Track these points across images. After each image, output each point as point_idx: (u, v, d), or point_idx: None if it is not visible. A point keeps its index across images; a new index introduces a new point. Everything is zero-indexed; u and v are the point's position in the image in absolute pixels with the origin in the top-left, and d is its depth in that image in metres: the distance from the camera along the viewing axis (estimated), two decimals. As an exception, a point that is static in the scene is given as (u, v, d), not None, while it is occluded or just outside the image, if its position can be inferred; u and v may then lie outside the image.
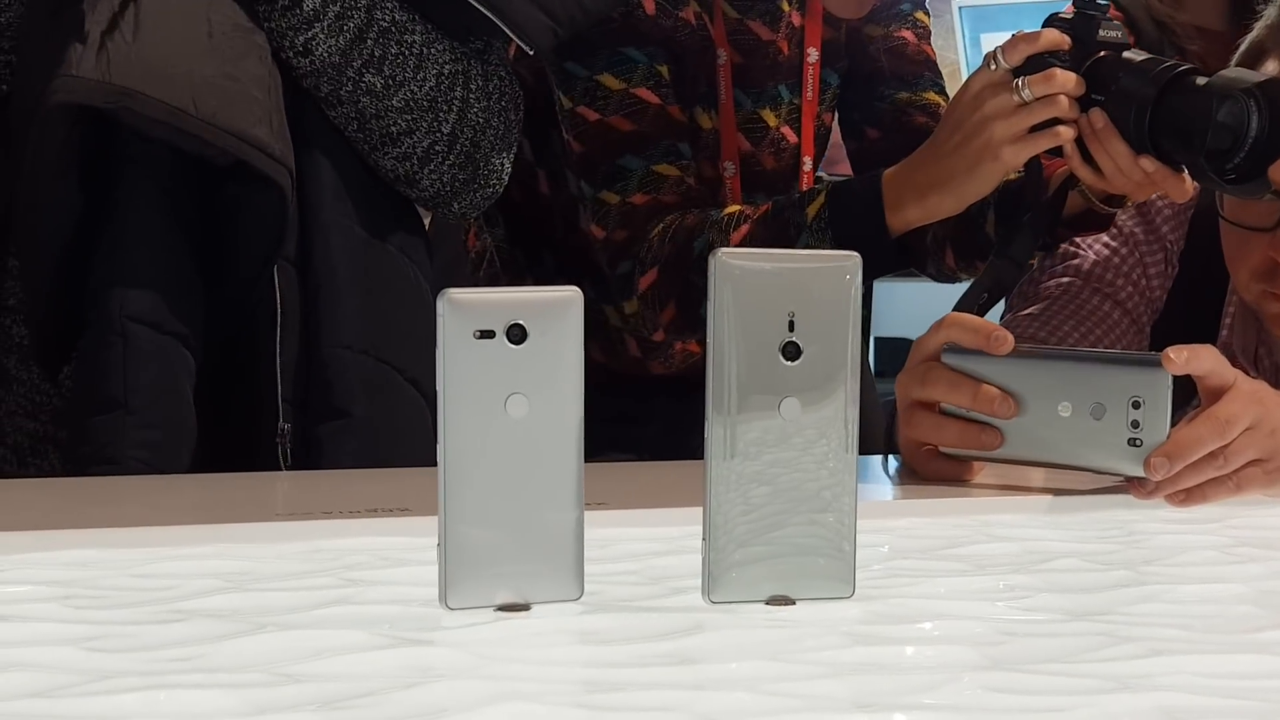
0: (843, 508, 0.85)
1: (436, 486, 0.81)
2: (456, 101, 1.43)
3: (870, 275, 1.60)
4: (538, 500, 0.82)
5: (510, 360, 0.81)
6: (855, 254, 0.84)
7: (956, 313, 1.28)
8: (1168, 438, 1.16)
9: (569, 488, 0.83)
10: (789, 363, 0.83)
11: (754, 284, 0.82)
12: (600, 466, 1.07)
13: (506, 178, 1.54)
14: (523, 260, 1.79)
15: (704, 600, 0.84)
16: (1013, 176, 1.55)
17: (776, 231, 1.56)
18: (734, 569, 0.84)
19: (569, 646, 0.79)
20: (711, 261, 0.82)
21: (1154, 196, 1.63)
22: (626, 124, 1.65)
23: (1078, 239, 1.66)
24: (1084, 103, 1.46)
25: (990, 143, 1.47)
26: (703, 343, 1.69)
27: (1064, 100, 1.46)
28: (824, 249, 1.51)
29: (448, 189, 1.47)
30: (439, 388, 0.80)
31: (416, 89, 1.40)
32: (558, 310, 0.81)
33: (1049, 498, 1.23)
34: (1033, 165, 1.51)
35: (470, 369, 0.80)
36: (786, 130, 1.73)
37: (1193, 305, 1.61)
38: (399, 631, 0.79)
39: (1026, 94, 1.46)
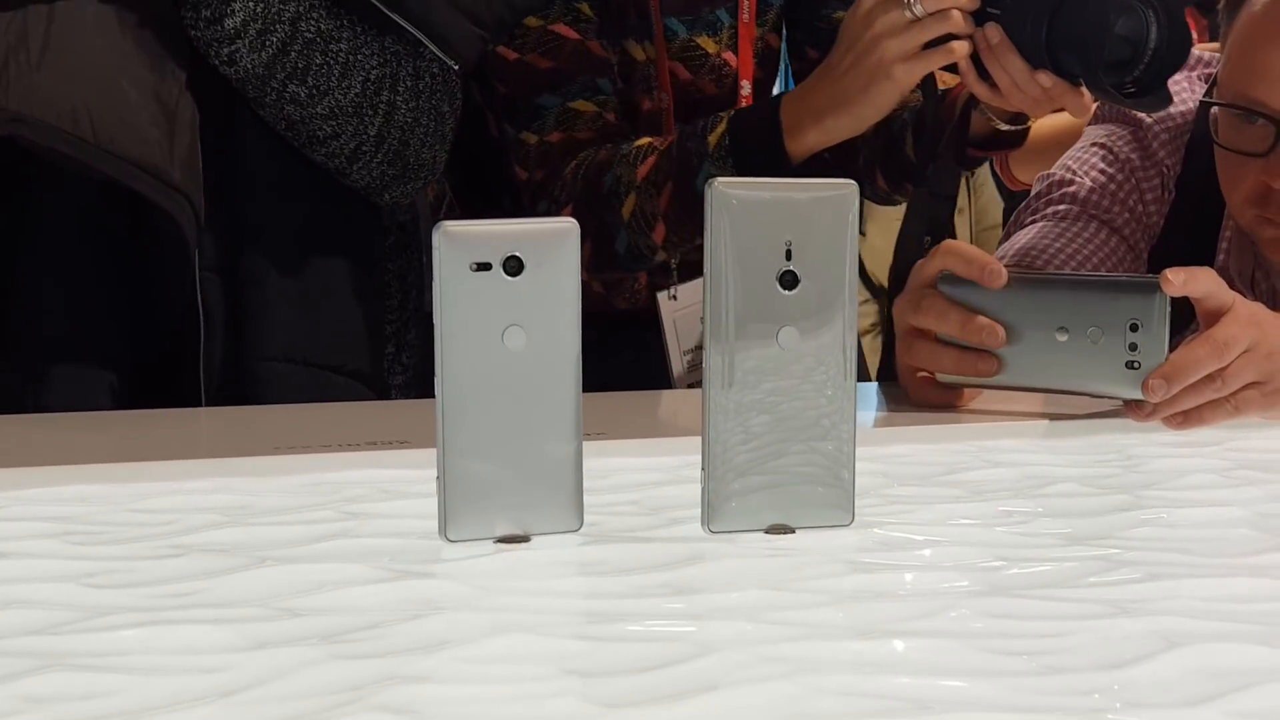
0: (841, 436, 0.85)
1: (435, 419, 0.81)
2: (383, 105, 1.42)
3: None
4: (536, 432, 0.82)
5: (507, 292, 0.80)
6: (853, 182, 0.84)
7: (952, 241, 1.28)
8: (1166, 360, 1.16)
9: (567, 419, 0.83)
10: (786, 292, 0.83)
11: (751, 213, 0.82)
12: (598, 396, 1.07)
13: (441, 166, 1.54)
14: (480, 205, 1.78)
15: (703, 530, 0.84)
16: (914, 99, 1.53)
17: (680, 162, 1.54)
18: (733, 498, 0.84)
19: (569, 578, 0.79)
20: (708, 191, 0.82)
21: (1149, 121, 1.62)
22: (544, 61, 1.62)
23: (1072, 166, 1.65)
24: (979, 17, 1.43)
25: (882, 61, 1.44)
26: (610, 281, 1.69)
27: (956, 15, 1.43)
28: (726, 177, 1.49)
29: (377, 182, 1.48)
30: (435, 321, 0.80)
31: (341, 96, 1.40)
32: (554, 241, 0.81)
33: (1046, 423, 1.24)
34: (928, 85, 1.49)
35: (467, 302, 0.80)
36: (729, 56, 1.70)
37: (1189, 230, 1.60)
38: (399, 564, 0.79)
39: (918, 9, 1.43)
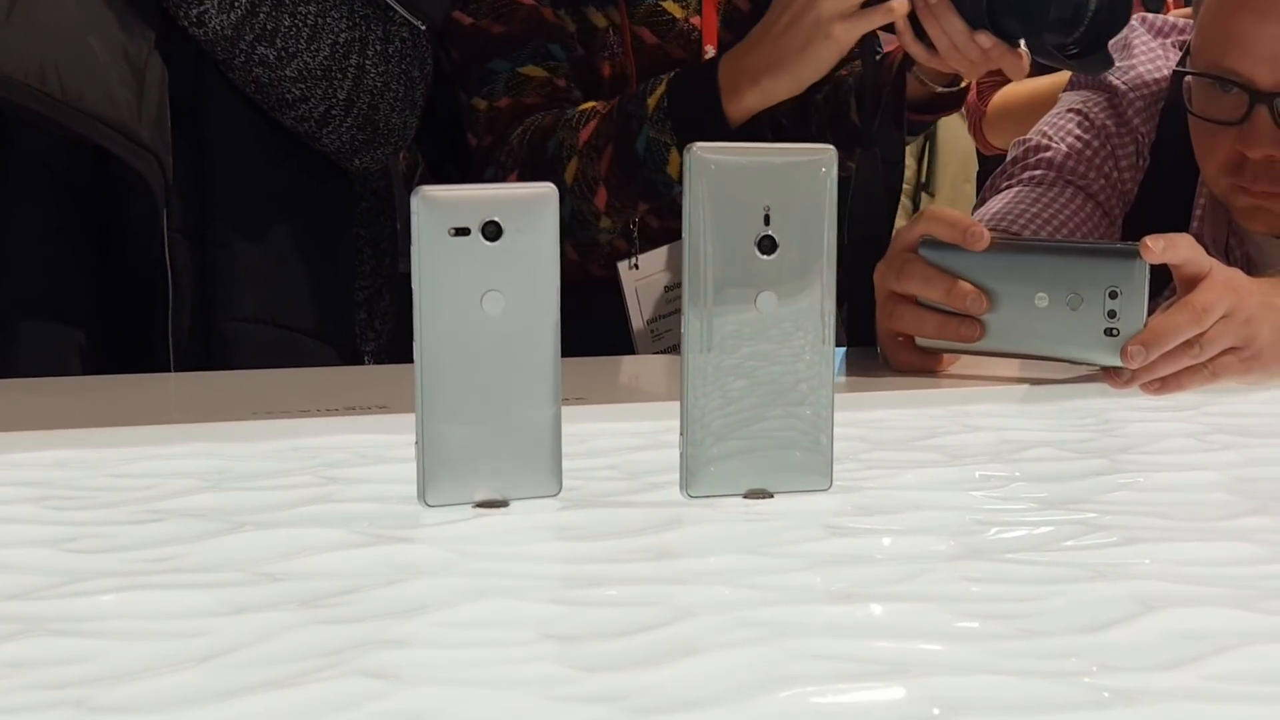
0: (820, 400, 0.85)
1: (414, 384, 0.81)
2: (352, 69, 1.42)
3: None
4: (515, 397, 0.82)
5: (486, 257, 0.80)
6: (830, 147, 0.84)
7: (934, 206, 1.28)
8: (1144, 326, 1.17)
9: (546, 384, 0.83)
10: (765, 256, 0.83)
11: (729, 178, 0.82)
12: (577, 361, 1.07)
13: (412, 132, 1.54)
14: (455, 175, 1.77)
15: (682, 495, 0.84)
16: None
17: (620, 125, 1.52)
18: (711, 463, 0.84)
19: (547, 542, 0.79)
20: (686, 156, 0.81)
21: (1124, 89, 1.62)
22: (497, 26, 1.60)
23: (1048, 131, 1.65)
24: None
25: (820, 20, 1.43)
26: (584, 247, 1.69)
27: None
28: (665, 140, 1.49)
29: (348, 147, 1.47)
30: (414, 286, 0.80)
31: (310, 59, 1.40)
32: (533, 206, 0.81)
33: (1025, 387, 1.24)
34: (866, 46, 1.47)
35: (446, 267, 0.80)
36: (696, 20, 1.68)
37: (1164, 197, 1.61)
38: (378, 529, 0.79)
39: None
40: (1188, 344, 1.18)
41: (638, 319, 1.66)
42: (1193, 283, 1.19)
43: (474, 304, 0.80)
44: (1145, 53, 1.65)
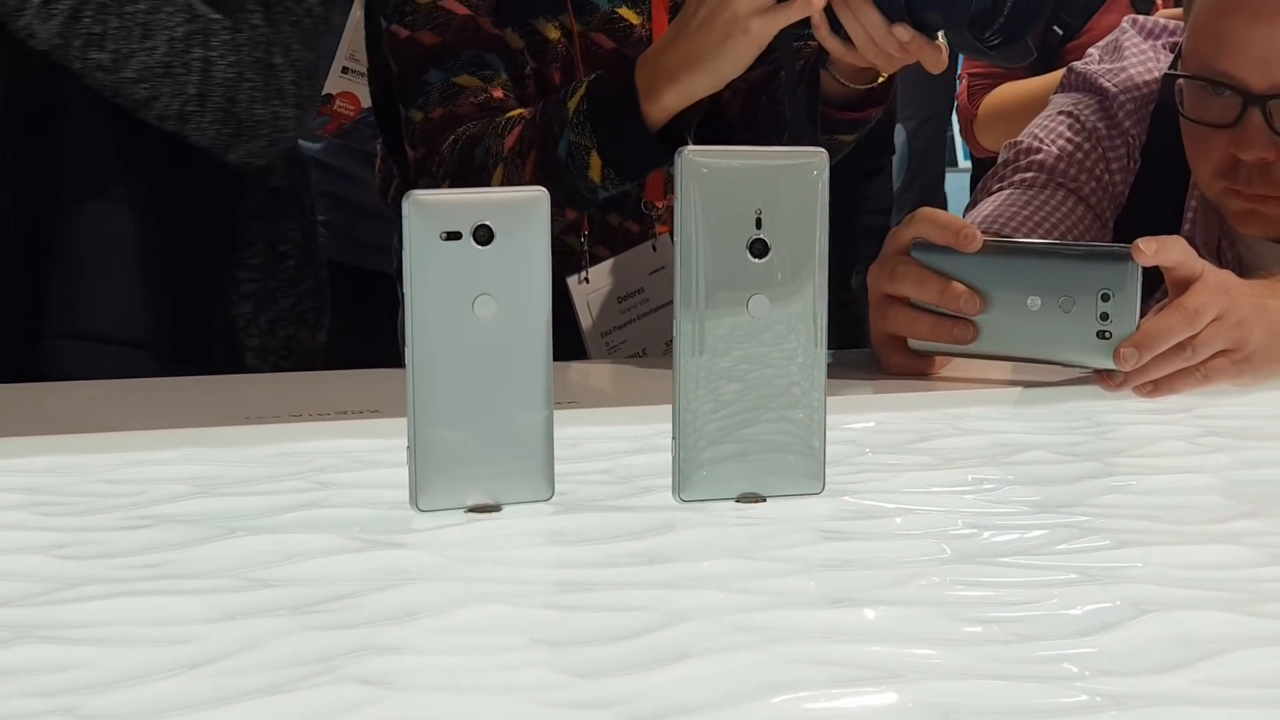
0: (812, 404, 0.85)
1: (405, 389, 0.80)
2: (197, 63, 1.41)
3: (636, 170, 1.52)
4: (507, 401, 0.82)
5: (477, 261, 0.80)
6: (823, 150, 0.83)
7: (927, 208, 1.28)
8: (1137, 329, 1.17)
9: (538, 388, 0.83)
10: (756, 260, 0.83)
11: (720, 182, 0.82)
12: (569, 365, 1.07)
13: (290, 125, 1.53)
14: (429, 185, 1.76)
15: (675, 499, 0.84)
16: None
17: (543, 131, 1.49)
18: (704, 467, 0.84)
19: (540, 547, 0.79)
20: (678, 160, 0.81)
21: (1115, 91, 1.62)
22: (432, 38, 1.59)
23: (1039, 134, 1.65)
24: None
25: (736, 16, 1.38)
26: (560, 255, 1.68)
27: None
28: (585, 144, 1.46)
29: (218, 142, 1.47)
30: (405, 290, 0.80)
31: (147, 58, 1.39)
32: (524, 210, 0.81)
33: (1018, 390, 1.24)
34: (784, 40, 1.43)
35: (437, 271, 0.80)
36: (653, 26, 1.67)
37: (1155, 199, 1.60)
38: (370, 534, 0.79)
39: None
40: (1180, 346, 1.18)
41: (591, 331, 1.64)
42: (1185, 285, 1.19)
43: (466, 308, 0.80)
44: (1136, 55, 1.65)
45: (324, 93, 2.20)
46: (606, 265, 1.65)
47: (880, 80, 1.52)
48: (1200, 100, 1.48)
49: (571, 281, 1.63)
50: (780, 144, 1.60)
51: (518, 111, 1.55)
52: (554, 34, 1.62)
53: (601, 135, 1.46)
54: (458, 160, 1.55)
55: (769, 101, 1.64)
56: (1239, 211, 1.49)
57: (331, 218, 2.27)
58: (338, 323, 2.23)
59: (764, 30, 1.39)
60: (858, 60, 1.42)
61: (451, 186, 1.54)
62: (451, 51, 1.58)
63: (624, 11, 1.64)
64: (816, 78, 1.50)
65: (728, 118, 1.63)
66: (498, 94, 1.58)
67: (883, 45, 1.39)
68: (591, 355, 1.63)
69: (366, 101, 2.21)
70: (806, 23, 1.40)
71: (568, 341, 1.62)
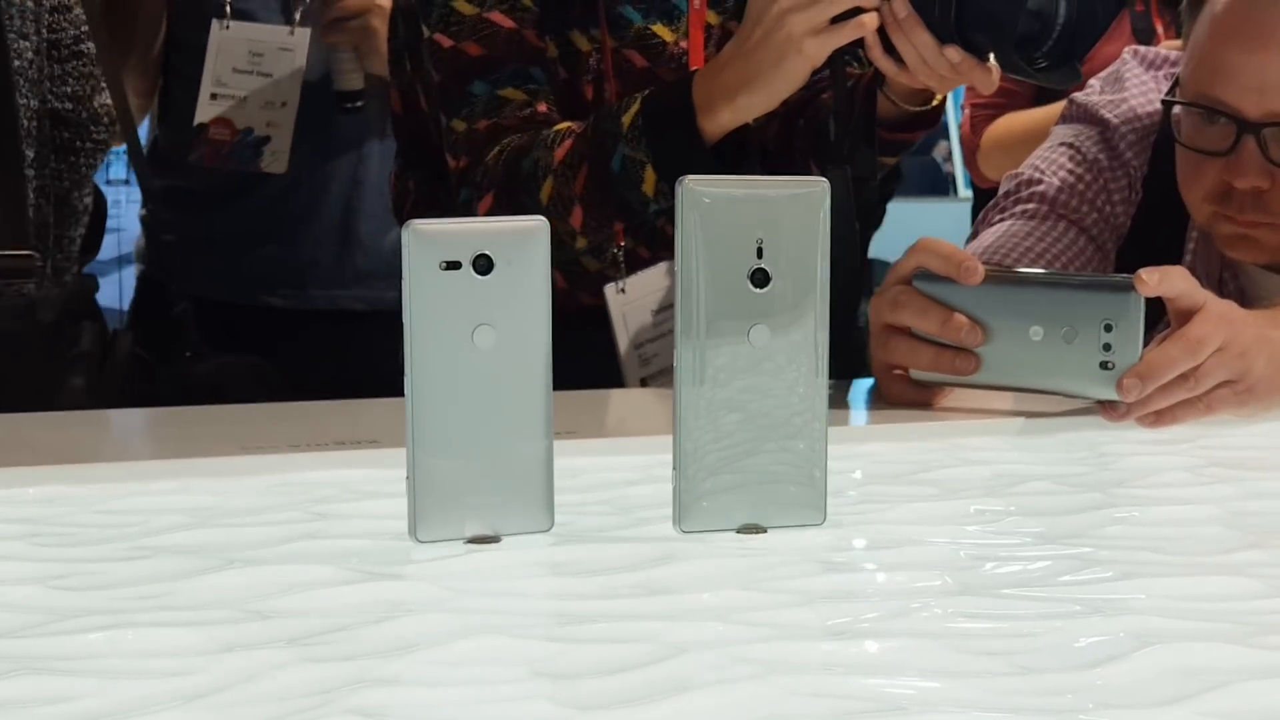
0: (813, 434, 0.85)
1: (405, 419, 0.80)
2: None
3: None
4: (507, 431, 0.82)
5: (477, 291, 0.80)
6: (824, 180, 0.83)
7: (929, 238, 1.27)
8: (1139, 360, 1.17)
9: (538, 418, 0.82)
10: (758, 290, 0.82)
11: (722, 211, 0.82)
12: (569, 394, 1.06)
13: None
14: (445, 201, 1.77)
15: (675, 530, 0.84)
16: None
17: (595, 145, 1.52)
18: (704, 498, 0.84)
19: (539, 578, 0.79)
20: (679, 189, 0.81)
21: (1116, 122, 1.62)
22: (477, 49, 1.60)
23: (1040, 165, 1.65)
24: None
25: (791, 36, 1.42)
26: (575, 276, 1.69)
27: None
28: (640, 158, 1.49)
29: None
30: (405, 319, 0.79)
31: None
32: (524, 240, 0.81)
33: (1020, 420, 1.23)
34: (835, 64, 1.46)
35: (436, 300, 0.79)
36: (687, 44, 1.69)
37: (1156, 230, 1.60)
38: (368, 566, 0.78)
39: None
40: (1183, 377, 1.17)
41: (625, 343, 1.65)
42: (1187, 316, 1.19)
43: (465, 338, 0.80)
44: (1137, 86, 1.65)
45: (196, 123, 2.20)
46: (643, 276, 1.66)
47: (935, 102, 1.55)
48: (1196, 127, 1.48)
49: (609, 290, 1.65)
50: (818, 167, 1.62)
51: (565, 125, 1.57)
52: (586, 46, 1.64)
53: (657, 150, 1.49)
54: (503, 171, 1.56)
55: (808, 124, 1.65)
56: (1229, 236, 1.49)
57: (197, 252, 2.27)
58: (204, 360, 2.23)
59: (818, 51, 1.43)
60: (911, 81, 1.45)
61: (495, 197, 1.57)
62: (497, 64, 1.61)
63: (658, 28, 1.66)
64: (874, 99, 1.51)
65: (762, 141, 1.64)
66: (542, 108, 1.60)
67: (934, 66, 1.42)
68: (625, 368, 1.64)
69: (241, 123, 2.20)
70: (860, 43, 1.43)
71: (604, 355, 1.64)
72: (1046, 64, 1.40)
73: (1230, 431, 1.20)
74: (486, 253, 0.80)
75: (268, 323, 2.25)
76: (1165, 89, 1.63)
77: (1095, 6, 1.38)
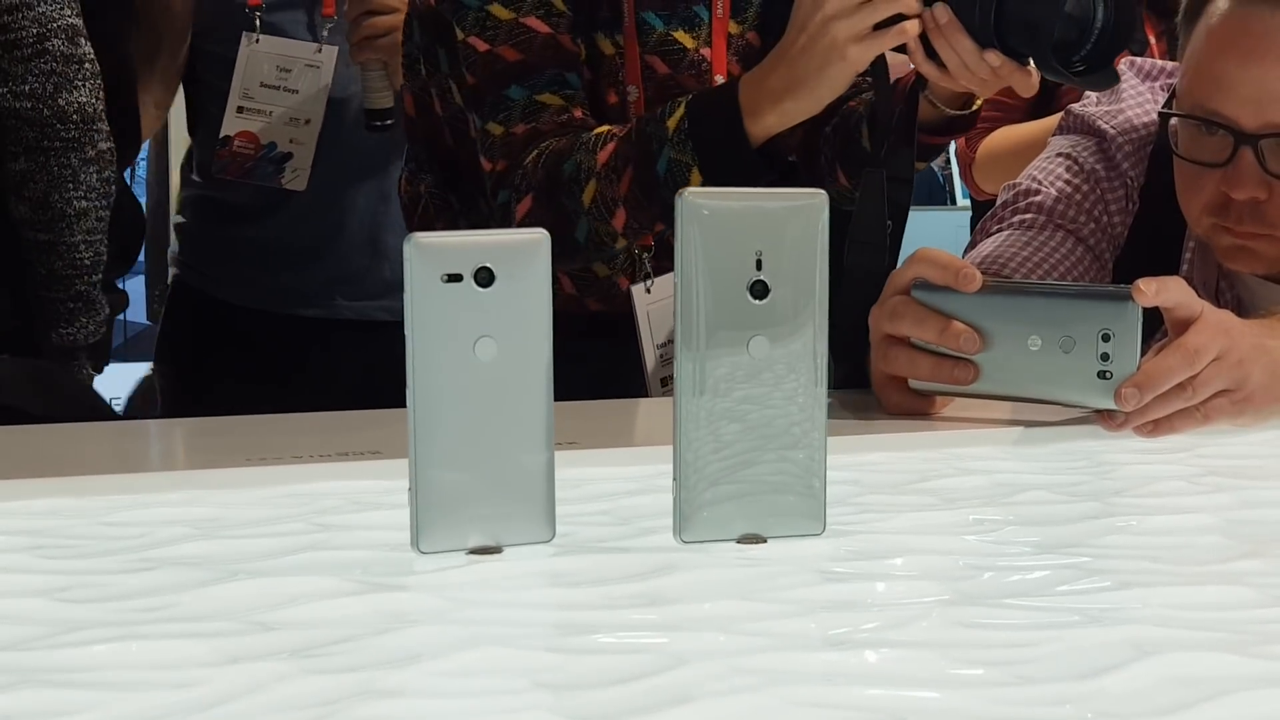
0: (812, 444, 0.85)
1: (407, 431, 0.80)
2: None
3: (737, 185, 1.57)
4: (508, 443, 0.82)
5: (478, 303, 0.80)
6: (822, 192, 0.84)
7: (927, 249, 1.28)
8: (1137, 369, 1.17)
9: (539, 430, 0.83)
10: (757, 301, 0.83)
11: (721, 224, 0.82)
12: (570, 405, 1.07)
13: None
14: (458, 206, 1.77)
15: (675, 540, 0.84)
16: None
17: (640, 148, 1.55)
18: (705, 508, 0.84)
19: (541, 589, 0.79)
20: (678, 202, 0.82)
21: (1113, 133, 1.63)
22: (513, 54, 1.63)
23: (1038, 176, 1.65)
24: None
25: (835, 43, 1.46)
26: (583, 281, 1.70)
27: None
28: (686, 161, 1.51)
29: None
30: (407, 332, 0.80)
31: None
32: (525, 253, 0.81)
33: (1018, 430, 1.24)
34: (878, 68, 1.50)
35: (438, 313, 0.80)
36: (706, 52, 1.71)
37: (1153, 240, 1.61)
38: (371, 577, 0.79)
39: None
40: (1180, 387, 1.18)
41: (649, 343, 1.67)
42: (1184, 325, 1.19)
43: (467, 350, 0.80)
44: (1134, 97, 1.66)
45: (221, 135, 2.21)
46: (670, 277, 1.67)
47: (975, 107, 1.58)
48: (1193, 139, 1.49)
49: (637, 290, 1.67)
50: (844, 173, 1.64)
51: (605, 128, 1.59)
52: (610, 50, 1.66)
53: (703, 153, 1.52)
54: (544, 174, 1.58)
55: (836, 130, 1.66)
56: (1228, 248, 1.49)
57: (228, 260, 2.28)
58: (252, 368, 2.25)
59: (861, 57, 1.46)
60: (953, 85, 1.49)
61: (535, 200, 1.59)
62: (534, 69, 1.63)
63: (679, 35, 1.68)
64: (916, 102, 1.54)
65: (785, 148, 1.66)
66: (578, 113, 1.62)
67: (975, 70, 1.45)
68: (649, 368, 1.66)
69: (265, 138, 2.21)
70: (901, 48, 1.47)
71: (629, 355, 1.65)
72: (1084, 68, 1.43)
73: (1228, 440, 1.21)
74: (488, 265, 0.80)
75: (298, 331, 2.26)
76: (1162, 100, 1.63)
77: (1131, 12, 1.41)
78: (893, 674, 0.65)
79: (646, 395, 1.66)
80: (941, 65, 1.46)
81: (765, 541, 0.85)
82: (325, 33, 2.22)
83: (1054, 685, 0.63)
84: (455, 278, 0.80)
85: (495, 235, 0.82)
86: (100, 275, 1.84)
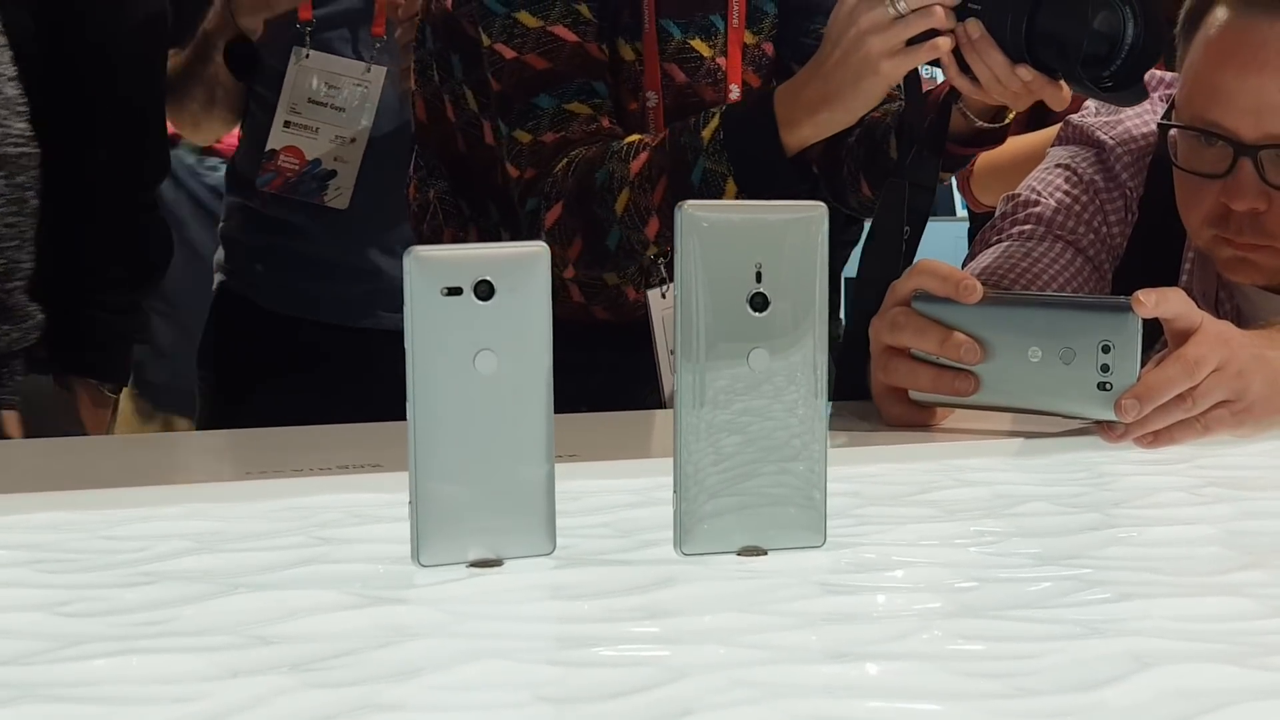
0: (813, 456, 0.85)
1: (407, 444, 0.80)
2: None
3: (771, 197, 1.59)
4: (508, 456, 0.82)
5: (478, 316, 0.80)
6: (822, 204, 0.84)
7: (927, 260, 1.28)
8: (1137, 380, 1.17)
9: (539, 443, 0.83)
10: (757, 314, 0.83)
11: (721, 236, 0.82)
12: (570, 418, 1.07)
13: None
14: (468, 212, 1.78)
15: (676, 552, 0.84)
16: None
17: (674, 158, 1.56)
18: (705, 520, 0.84)
19: (542, 602, 0.79)
20: (678, 214, 0.82)
21: (1112, 143, 1.63)
22: (541, 62, 1.63)
23: (1037, 187, 1.66)
24: (960, 13, 1.47)
25: (868, 57, 1.48)
26: (591, 288, 1.71)
27: (939, 11, 1.47)
28: (721, 171, 1.53)
29: None
30: (407, 345, 0.80)
31: None
32: (525, 266, 0.81)
33: (1018, 441, 1.24)
34: (910, 81, 1.53)
35: (438, 326, 0.80)
36: (722, 61, 1.72)
37: (1153, 251, 1.61)
38: (371, 590, 0.79)
39: (901, 6, 1.47)
40: (1180, 398, 1.18)
41: (663, 347, 1.67)
42: (1184, 336, 1.19)
43: (467, 363, 0.80)
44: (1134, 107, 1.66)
45: (267, 148, 2.22)
46: None
47: (1007, 119, 1.60)
48: (1193, 150, 1.49)
49: (653, 295, 1.68)
50: (868, 184, 1.65)
51: (636, 137, 1.60)
52: (630, 56, 1.68)
53: (739, 163, 1.54)
54: (575, 183, 1.59)
55: (859, 141, 1.67)
56: (1229, 259, 1.49)
57: (270, 270, 2.29)
58: (272, 374, 2.25)
59: (894, 71, 1.49)
60: (985, 98, 1.51)
61: (565, 208, 1.60)
62: (563, 78, 1.64)
63: (696, 44, 1.70)
64: (949, 113, 1.56)
65: (808, 158, 1.67)
66: (605, 122, 1.63)
67: (1007, 84, 1.47)
68: (662, 374, 1.66)
69: (311, 154, 2.21)
70: (934, 62, 1.49)
71: (639, 365, 1.66)
72: (1112, 84, 1.45)
73: (1228, 451, 1.21)
74: (488, 278, 0.80)
75: (340, 341, 2.26)
76: (1160, 111, 1.63)
77: (1159, 29, 1.43)
78: (894, 686, 0.65)
79: (659, 401, 1.67)
80: (975, 79, 1.48)
81: (766, 554, 0.85)
82: (374, 52, 2.22)
83: (1055, 697, 0.63)
84: (455, 291, 0.80)
85: (495, 248, 0.82)
86: (18, 282, 1.79)
